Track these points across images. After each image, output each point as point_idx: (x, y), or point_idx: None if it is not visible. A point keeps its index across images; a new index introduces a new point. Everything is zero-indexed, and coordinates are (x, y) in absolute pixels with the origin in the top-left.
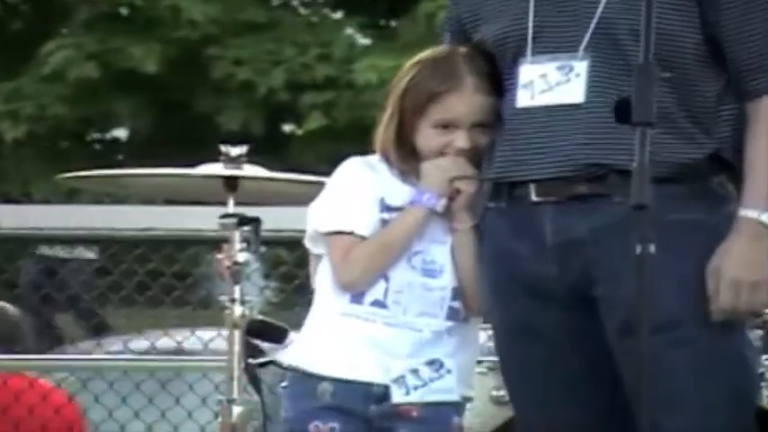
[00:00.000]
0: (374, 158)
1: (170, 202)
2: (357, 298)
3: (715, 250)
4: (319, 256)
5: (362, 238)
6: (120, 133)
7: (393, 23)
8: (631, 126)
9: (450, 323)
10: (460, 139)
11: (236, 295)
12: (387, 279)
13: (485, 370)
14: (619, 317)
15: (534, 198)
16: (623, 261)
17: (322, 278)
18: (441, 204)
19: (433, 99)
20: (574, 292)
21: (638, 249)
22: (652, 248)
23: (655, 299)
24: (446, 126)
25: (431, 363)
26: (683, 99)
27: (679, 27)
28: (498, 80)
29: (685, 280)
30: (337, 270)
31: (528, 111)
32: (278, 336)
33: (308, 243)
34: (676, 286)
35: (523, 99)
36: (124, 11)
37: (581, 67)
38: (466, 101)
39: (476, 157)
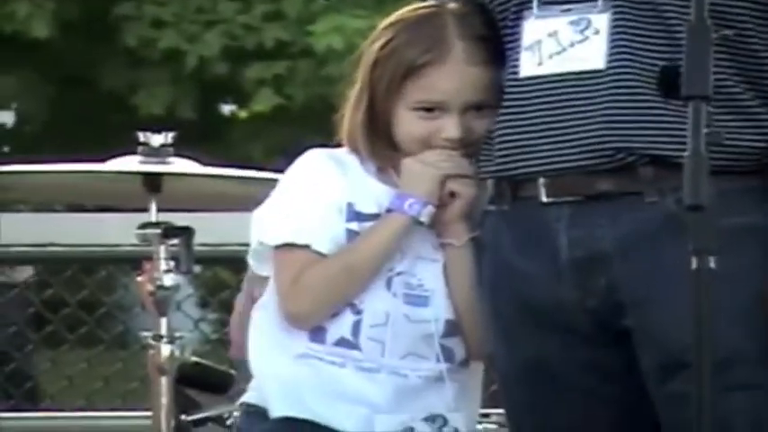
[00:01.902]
0: (341, 151)
1: (72, 208)
2: (317, 335)
3: None
4: (265, 279)
5: (321, 254)
6: (4, 118)
7: None
8: (682, 102)
9: (444, 366)
10: (450, 127)
11: (163, 330)
12: (357, 310)
13: (493, 426)
14: (659, 353)
15: (544, 198)
16: (659, 280)
17: (268, 305)
18: (427, 212)
19: (412, 73)
20: (598, 321)
21: (695, 263)
22: (712, 263)
23: (711, 327)
24: (431, 109)
25: (431, 419)
26: (745, 68)
27: None
28: (500, 46)
29: (745, 305)
30: (284, 295)
31: (534, 81)
32: (219, 383)
33: (251, 260)
34: (735, 313)
35: (528, 66)
36: None
37: (601, 21)
38: (455, 75)
39: (472, 148)
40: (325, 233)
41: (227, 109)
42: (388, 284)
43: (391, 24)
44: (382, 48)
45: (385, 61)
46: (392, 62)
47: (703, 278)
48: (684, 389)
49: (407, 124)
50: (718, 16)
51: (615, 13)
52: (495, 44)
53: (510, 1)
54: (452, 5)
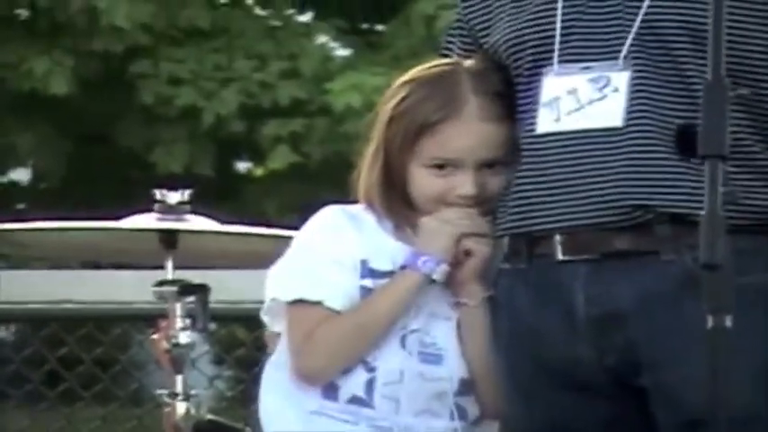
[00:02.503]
0: (357, 208)
1: (88, 265)
2: (330, 392)
3: None
4: (280, 336)
5: (334, 311)
6: (21, 175)
7: (380, 28)
8: (699, 160)
9: (458, 424)
10: (464, 184)
11: (179, 388)
12: (371, 367)
13: None
14: (676, 413)
15: (560, 256)
16: (677, 339)
17: (281, 362)
18: (440, 271)
19: (426, 130)
20: (615, 378)
21: (711, 322)
22: (728, 321)
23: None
24: (444, 166)
25: None
26: (759, 126)
27: (754, 29)
28: (514, 102)
29: (763, 364)
30: (296, 352)
31: (552, 137)
32: None
33: (265, 317)
34: (754, 371)
35: (546, 122)
36: (23, 13)
37: (620, 79)
38: (468, 132)
39: (487, 205)
40: (339, 290)
41: (243, 167)
42: (403, 342)
43: (406, 82)
44: (397, 105)
45: (399, 119)
46: (406, 120)
47: (719, 337)
48: None
49: (422, 181)
50: (736, 75)
51: (635, 71)
52: (510, 100)
53: (527, 56)
54: (468, 63)
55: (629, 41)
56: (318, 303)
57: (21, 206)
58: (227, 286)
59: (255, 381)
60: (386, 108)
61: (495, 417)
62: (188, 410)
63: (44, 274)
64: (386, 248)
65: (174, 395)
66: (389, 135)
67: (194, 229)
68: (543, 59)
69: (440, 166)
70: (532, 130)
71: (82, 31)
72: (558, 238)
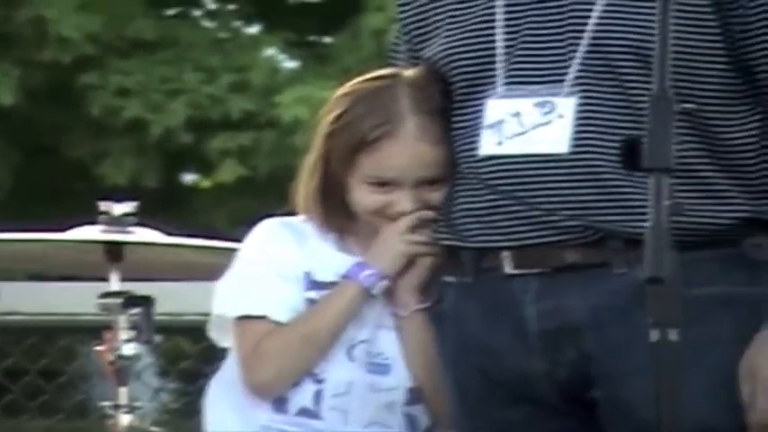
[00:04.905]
0: (297, 219)
1: (33, 277)
2: (279, 406)
3: (751, 335)
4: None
5: (279, 324)
6: None
7: (328, 40)
8: (642, 174)
9: None
10: (402, 201)
11: (123, 400)
12: (319, 379)
13: None
14: (627, 427)
15: (509, 270)
16: (630, 352)
17: (230, 378)
18: (380, 286)
19: (364, 148)
20: (566, 392)
21: (655, 336)
22: (673, 335)
23: (678, 401)
24: (383, 183)
25: None
26: (708, 143)
27: (699, 47)
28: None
29: (715, 375)
30: (245, 366)
31: (495, 160)
32: None
33: (212, 333)
34: (704, 384)
35: (488, 145)
36: None
37: (566, 105)
38: (405, 152)
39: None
40: (283, 303)
41: (190, 179)
42: (350, 353)
43: (345, 95)
44: (336, 120)
45: (338, 134)
46: (345, 135)
47: (664, 351)
48: None
49: (361, 196)
50: (681, 90)
51: (582, 96)
52: (449, 117)
53: (465, 74)
54: (409, 75)
55: (575, 66)
56: (263, 317)
57: None
58: (172, 298)
59: (200, 393)
60: (325, 121)
61: (448, 427)
62: (132, 423)
63: None
64: (328, 259)
65: (118, 407)
66: (328, 148)
67: (139, 241)
68: (483, 78)
69: (379, 183)
70: (473, 152)
71: (29, 42)
72: (506, 252)
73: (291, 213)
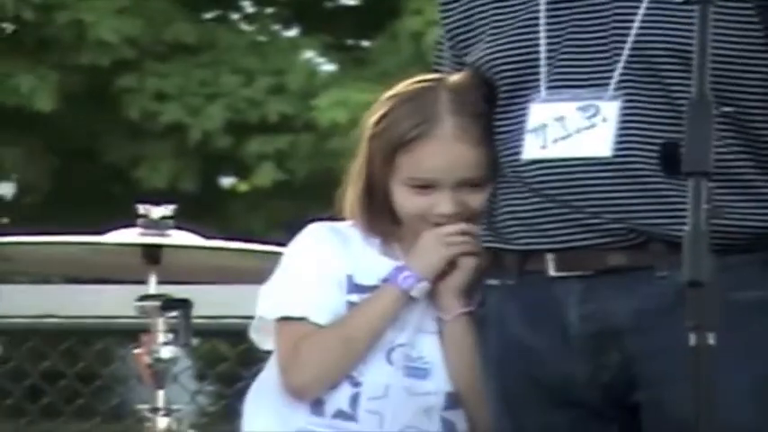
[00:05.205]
0: (344, 224)
1: (71, 280)
2: (316, 408)
3: None
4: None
5: (319, 326)
6: (5, 189)
7: (366, 44)
8: (682, 177)
9: None
10: (443, 203)
11: (160, 403)
12: (356, 382)
13: None
14: (669, 428)
15: (553, 272)
16: (674, 355)
17: (270, 380)
18: (420, 288)
19: (402, 149)
20: (609, 395)
21: (693, 340)
22: (711, 339)
23: (717, 406)
24: (424, 185)
25: None
26: (750, 146)
27: (742, 51)
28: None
29: (756, 380)
30: (284, 368)
31: (538, 164)
32: None
33: (253, 335)
34: (748, 390)
35: (532, 149)
36: (8, 27)
37: (610, 109)
38: (443, 152)
39: (472, 220)
40: (324, 305)
41: (228, 182)
42: (388, 357)
43: (389, 98)
44: (377, 122)
45: (379, 136)
46: (385, 137)
47: (702, 355)
48: None
49: (402, 199)
50: (722, 94)
51: (625, 100)
52: (490, 121)
53: (508, 78)
54: (452, 79)
55: (619, 69)
56: (303, 319)
57: (4, 220)
58: (210, 301)
59: (238, 396)
60: (368, 124)
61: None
62: (169, 426)
63: (27, 289)
64: (371, 264)
65: (155, 410)
66: (371, 151)
67: (177, 244)
68: (526, 83)
69: (420, 185)
70: (517, 156)
71: (68, 45)
72: (549, 255)
73: (332, 218)
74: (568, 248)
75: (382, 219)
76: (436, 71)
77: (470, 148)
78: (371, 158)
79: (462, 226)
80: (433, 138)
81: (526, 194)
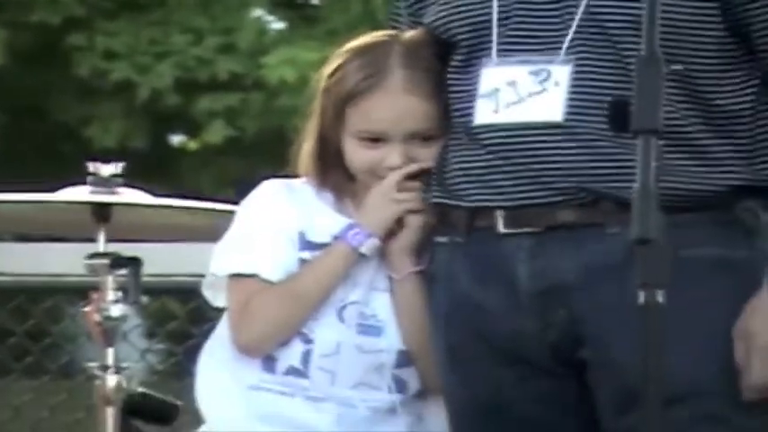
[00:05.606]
0: (297, 181)
1: (20, 237)
2: (268, 365)
3: (746, 299)
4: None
5: (270, 283)
6: None
7: (316, 2)
8: (632, 136)
9: (396, 397)
10: (392, 156)
11: (110, 361)
12: (308, 339)
13: None
14: (615, 387)
15: (502, 229)
16: (621, 313)
17: (223, 337)
18: (369, 244)
19: (352, 101)
20: (556, 352)
21: (642, 297)
22: (660, 296)
23: (665, 362)
24: (374, 138)
25: None
26: (702, 109)
27: (693, 11)
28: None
29: (709, 337)
30: (234, 325)
31: (490, 128)
32: (165, 414)
33: (206, 291)
34: (698, 346)
35: (484, 113)
36: None
37: (561, 73)
38: (392, 104)
39: (421, 177)
40: (275, 262)
41: (178, 140)
42: (340, 314)
43: (343, 52)
44: (331, 75)
45: (332, 88)
46: (336, 89)
47: (651, 312)
48: (638, 422)
49: (353, 153)
50: (673, 54)
51: (577, 64)
52: (441, 77)
53: (460, 41)
54: (406, 35)
55: (570, 33)
56: (254, 276)
57: None
58: (159, 259)
59: (188, 354)
60: (321, 77)
61: (439, 390)
62: (119, 383)
63: None
64: (324, 221)
65: (105, 368)
66: (323, 105)
67: (127, 202)
68: (479, 46)
69: (370, 138)
70: (469, 119)
71: (17, 3)
72: (499, 212)
73: (281, 175)
74: (519, 206)
75: (335, 174)
76: (393, 28)
77: (420, 101)
78: (324, 112)
79: (407, 168)
80: (382, 89)
81: (477, 151)
